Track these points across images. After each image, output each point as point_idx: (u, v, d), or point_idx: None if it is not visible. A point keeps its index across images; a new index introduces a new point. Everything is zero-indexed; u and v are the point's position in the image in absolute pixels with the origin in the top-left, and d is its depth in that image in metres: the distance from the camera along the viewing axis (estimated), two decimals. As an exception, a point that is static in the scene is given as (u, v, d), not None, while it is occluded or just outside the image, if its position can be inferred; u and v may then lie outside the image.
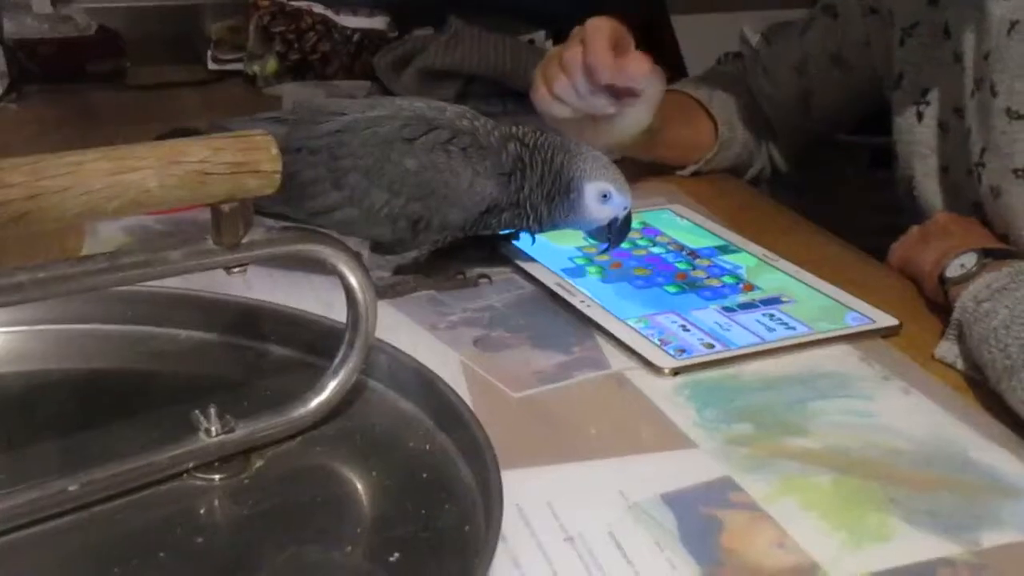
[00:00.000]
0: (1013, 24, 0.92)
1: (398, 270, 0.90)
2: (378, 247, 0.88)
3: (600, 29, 0.99)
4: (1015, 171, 0.92)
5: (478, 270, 0.94)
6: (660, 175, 1.20)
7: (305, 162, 0.86)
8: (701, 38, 1.79)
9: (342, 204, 0.86)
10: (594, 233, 0.93)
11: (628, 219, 0.92)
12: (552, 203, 0.89)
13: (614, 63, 0.98)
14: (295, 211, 0.87)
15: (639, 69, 1.00)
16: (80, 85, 1.50)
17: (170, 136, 0.88)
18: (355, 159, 0.85)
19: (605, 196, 0.89)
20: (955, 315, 0.83)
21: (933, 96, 1.05)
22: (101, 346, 0.77)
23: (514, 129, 0.90)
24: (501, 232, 0.96)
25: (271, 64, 1.52)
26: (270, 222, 0.85)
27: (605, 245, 0.93)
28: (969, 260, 0.88)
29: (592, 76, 0.99)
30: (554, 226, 0.91)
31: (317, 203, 0.86)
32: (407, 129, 0.86)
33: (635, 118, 1.05)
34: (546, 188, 0.88)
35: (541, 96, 1.02)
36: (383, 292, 0.88)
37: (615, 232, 0.92)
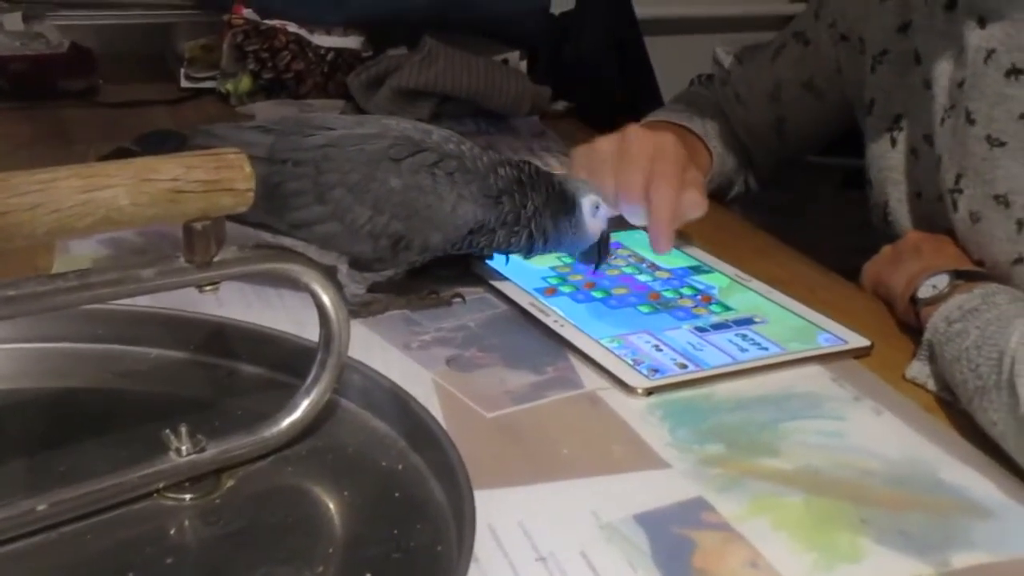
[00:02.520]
0: (990, 53, 0.92)
1: (371, 289, 0.90)
2: (357, 263, 0.88)
3: (667, 201, 0.96)
4: (996, 197, 0.92)
5: (452, 290, 0.94)
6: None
7: (290, 173, 0.85)
8: (674, 60, 1.80)
9: (325, 218, 0.85)
10: (585, 254, 0.93)
11: (609, 232, 0.93)
12: (558, 221, 0.89)
13: (672, 235, 0.97)
14: (277, 222, 0.86)
15: (694, 211, 0.99)
16: (52, 102, 1.50)
17: (145, 139, 0.88)
18: (341, 174, 0.85)
19: (596, 208, 0.90)
20: (926, 336, 0.84)
21: (905, 123, 1.06)
22: (71, 365, 0.77)
23: (505, 156, 0.91)
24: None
25: (244, 82, 1.52)
26: (251, 232, 0.85)
27: (594, 263, 0.94)
28: (941, 281, 0.88)
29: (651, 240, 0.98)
30: (558, 245, 0.91)
31: (300, 215, 0.86)
32: (394, 149, 0.86)
33: None
34: (552, 208, 0.89)
35: None
36: (356, 312, 0.88)
37: (603, 245, 0.92)
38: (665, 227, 0.96)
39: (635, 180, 0.97)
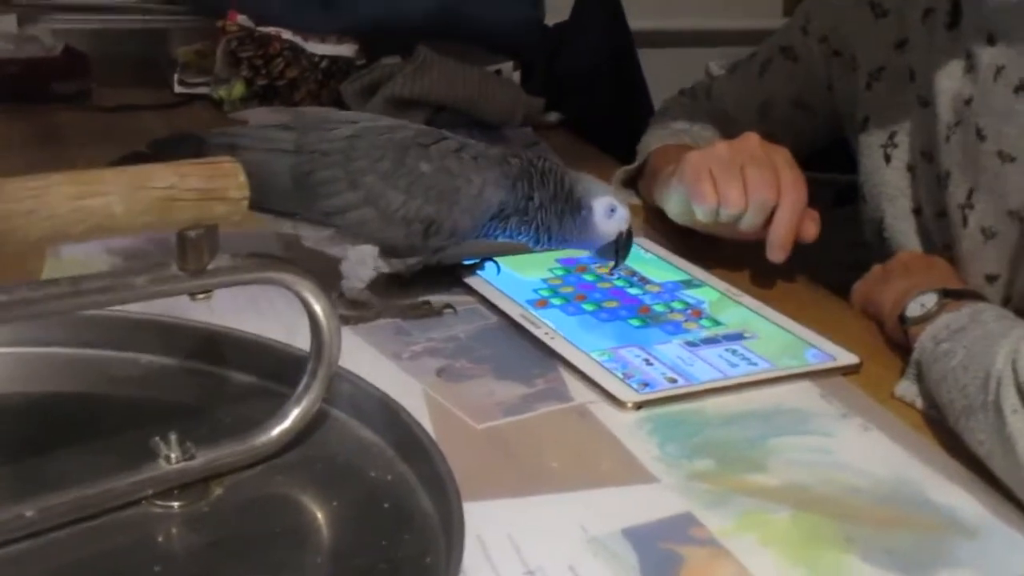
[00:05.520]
0: (999, 69, 0.93)
1: (368, 287, 0.91)
2: (386, 250, 0.89)
3: (799, 207, 0.99)
4: (1009, 212, 0.93)
5: (444, 300, 0.94)
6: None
7: (320, 162, 0.87)
8: (667, 72, 1.80)
9: (358, 204, 0.87)
10: (603, 251, 0.94)
11: (631, 233, 0.94)
12: (563, 219, 0.91)
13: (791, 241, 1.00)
14: (307, 210, 0.88)
15: (808, 236, 1.01)
16: (45, 106, 1.50)
17: (161, 144, 0.90)
18: (372, 161, 0.87)
19: (612, 211, 0.91)
20: (914, 355, 0.84)
21: (900, 139, 1.07)
22: (60, 370, 0.77)
23: (511, 150, 0.93)
24: (467, 262, 0.97)
25: (238, 88, 1.52)
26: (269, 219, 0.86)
27: (613, 261, 0.95)
28: (929, 300, 0.89)
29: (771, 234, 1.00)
30: (564, 241, 0.93)
31: (332, 203, 0.87)
32: (421, 136, 0.88)
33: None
34: (559, 205, 0.90)
35: (709, 199, 1.01)
36: (346, 319, 0.88)
37: (622, 246, 0.94)
38: (791, 234, 0.98)
39: (769, 178, 0.99)
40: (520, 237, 0.92)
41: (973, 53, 0.96)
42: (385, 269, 0.90)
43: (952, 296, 0.88)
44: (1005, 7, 0.92)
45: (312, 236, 0.90)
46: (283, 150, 0.87)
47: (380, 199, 0.87)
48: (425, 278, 0.94)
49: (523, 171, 0.90)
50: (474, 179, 0.88)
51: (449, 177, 0.87)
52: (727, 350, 0.89)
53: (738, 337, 0.92)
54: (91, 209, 0.55)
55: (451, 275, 0.98)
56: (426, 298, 0.94)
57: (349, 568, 0.60)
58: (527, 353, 0.88)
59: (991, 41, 0.94)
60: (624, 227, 0.92)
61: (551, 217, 0.90)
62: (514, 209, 0.90)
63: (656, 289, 1.01)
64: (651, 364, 0.86)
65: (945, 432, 0.80)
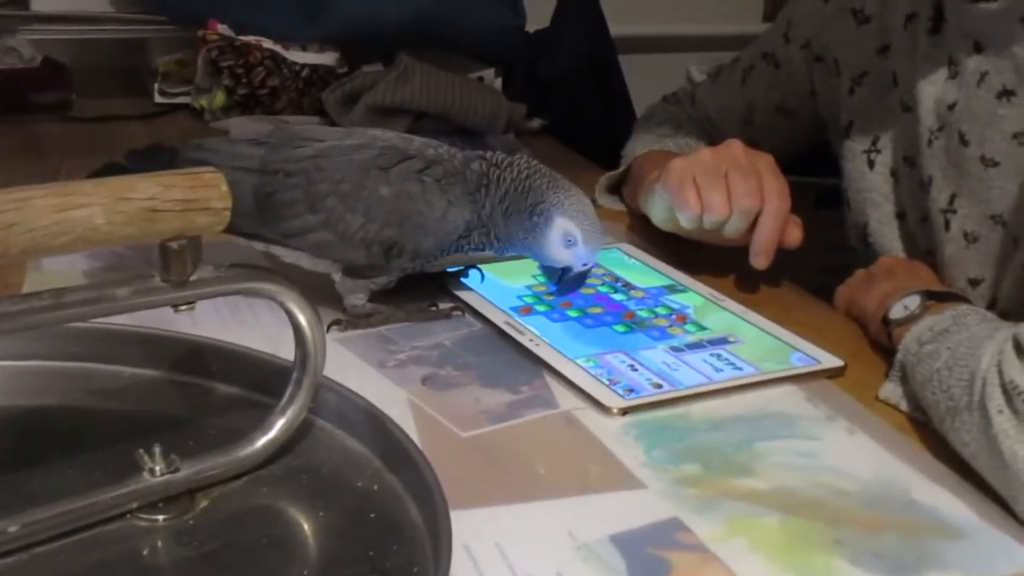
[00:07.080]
0: (983, 75, 0.94)
1: (372, 300, 0.91)
2: (350, 271, 0.89)
3: (781, 215, 0.99)
4: (992, 217, 0.94)
5: (450, 303, 0.94)
6: (610, 214, 1.21)
7: (282, 184, 0.87)
8: (648, 78, 1.81)
9: (317, 227, 0.87)
10: (547, 271, 0.93)
11: (583, 275, 0.91)
12: (509, 219, 0.88)
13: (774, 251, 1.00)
14: (269, 231, 0.88)
15: (792, 242, 1.01)
16: (24, 116, 1.49)
17: (136, 154, 0.90)
18: (332, 184, 0.86)
19: (569, 240, 0.88)
20: (899, 356, 0.84)
21: (884, 144, 1.07)
22: (42, 383, 0.76)
23: (481, 152, 0.91)
24: (451, 269, 0.97)
25: (219, 98, 1.52)
26: (243, 243, 0.85)
27: (554, 287, 0.93)
28: (912, 302, 0.89)
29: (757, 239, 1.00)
30: (512, 245, 0.90)
31: (293, 224, 0.87)
32: (382, 158, 0.87)
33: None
34: (506, 204, 0.88)
35: (693, 206, 1.00)
36: (354, 323, 0.90)
37: (565, 282, 0.91)
38: (774, 240, 0.98)
39: (753, 186, 0.99)
40: (486, 248, 0.91)
41: (957, 59, 0.96)
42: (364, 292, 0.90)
43: (936, 298, 0.89)
44: (989, 14, 0.93)
45: (288, 256, 0.90)
46: (248, 168, 0.87)
47: (339, 222, 0.86)
48: (408, 286, 0.94)
49: (482, 176, 0.88)
50: (435, 202, 0.86)
51: (409, 201, 0.86)
52: (712, 355, 0.89)
53: (723, 342, 0.92)
54: (73, 221, 0.55)
55: (435, 283, 0.97)
56: (433, 301, 0.94)
57: (337, 579, 0.60)
58: (512, 360, 0.88)
59: (978, 48, 0.95)
60: (577, 266, 0.89)
61: (499, 216, 0.88)
62: (477, 223, 0.88)
63: (640, 295, 1.01)
64: (636, 370, 0.86)
65: (930, 434, 0.80)
